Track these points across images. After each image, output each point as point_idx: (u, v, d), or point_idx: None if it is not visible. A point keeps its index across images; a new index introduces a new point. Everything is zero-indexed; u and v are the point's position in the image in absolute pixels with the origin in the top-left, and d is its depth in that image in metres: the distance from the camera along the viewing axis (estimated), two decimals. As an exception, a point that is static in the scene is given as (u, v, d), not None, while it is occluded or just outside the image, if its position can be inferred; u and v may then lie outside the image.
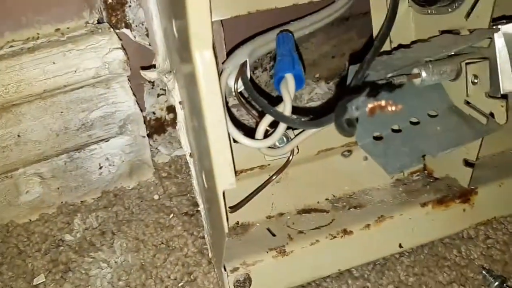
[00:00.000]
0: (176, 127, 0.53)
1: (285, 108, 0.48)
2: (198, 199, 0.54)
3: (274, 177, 0.55)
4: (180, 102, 0.51)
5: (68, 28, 0.55)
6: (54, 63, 0.53)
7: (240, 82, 0.52)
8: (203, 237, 0.57)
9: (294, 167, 0.56)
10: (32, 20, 0.53)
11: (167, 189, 0.64)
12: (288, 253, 0.51)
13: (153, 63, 0.60)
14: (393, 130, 0.54)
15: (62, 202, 0.61)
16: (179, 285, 0.54)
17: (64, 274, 0.54)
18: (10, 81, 0.51)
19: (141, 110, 0.61)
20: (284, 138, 0.53)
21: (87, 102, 0.57)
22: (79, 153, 0.59)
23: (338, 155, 0.59)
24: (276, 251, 0.51)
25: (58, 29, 0.54)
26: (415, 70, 0.50)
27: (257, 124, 0.51)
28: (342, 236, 0.53)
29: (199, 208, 0.55)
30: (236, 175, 0.41)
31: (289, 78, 0.49)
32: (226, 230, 0.42)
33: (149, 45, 0.60)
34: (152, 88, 0.64)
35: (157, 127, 0.68)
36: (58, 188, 0.60)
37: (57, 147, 0.58)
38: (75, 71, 0.54)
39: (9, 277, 0.54)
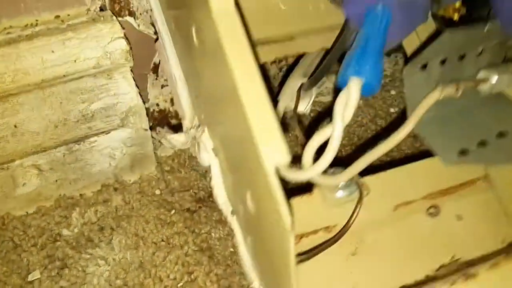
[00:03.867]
0: (211, 183, 0.52)
1: (333, 133, 0.35)
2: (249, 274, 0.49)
3: (337, 237, 0.44)
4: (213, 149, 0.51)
5: (68, 15, 0.52)
6: (53, 51, 0.50)
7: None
8: (204, 234, 0.56)
9: (370, 232, 0.47)
10: (31, 6, 0.51)
11: (169, 184, 0.63)
12: None
13: (181, 123, 0.59)
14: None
15: (60, 195, 0.59)
16: (179, 285, 0.52)
17: (60, 270, 0.53)
18: (6, 70, 0.49)
19: (144, 102, 0.59)
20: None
21: (88, 93, 0.55)
22: (79, 145, 0.57)
23: (423, 214, 0.49)
24: None
25: (58, 16, 0.52)
26: (482, 74, 0.41)
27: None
28: None
29: (203, 207, 0.53)
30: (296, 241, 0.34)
31: (353, 84, 0.35)
32: None
33: (154, 34, 0.58)
34: (156, 79, 0.62)
35: (161, 119, 0.66)
36: (56, 181, 0.58)
37: (56, 139, 0.56)
38: (75, 61, 0.52)
39: (3, 272, 0.53)
